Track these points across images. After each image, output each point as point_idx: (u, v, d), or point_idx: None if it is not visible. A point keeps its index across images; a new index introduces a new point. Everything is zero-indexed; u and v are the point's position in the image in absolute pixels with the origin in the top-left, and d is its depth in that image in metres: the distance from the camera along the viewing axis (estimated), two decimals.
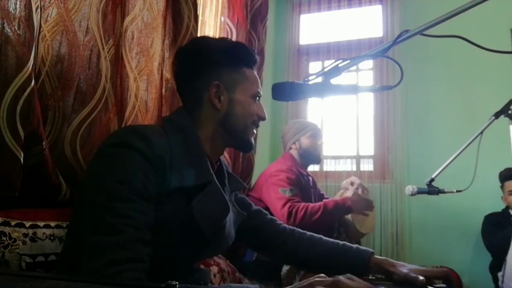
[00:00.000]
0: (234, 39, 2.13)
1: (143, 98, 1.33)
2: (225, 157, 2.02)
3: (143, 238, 0.70)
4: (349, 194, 2.00)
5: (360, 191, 2.01)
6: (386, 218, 2.78)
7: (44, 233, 0.85)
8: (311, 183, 2.15)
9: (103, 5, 1.14)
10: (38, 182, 0.92)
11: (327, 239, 1.10)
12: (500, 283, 1.71)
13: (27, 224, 0.82)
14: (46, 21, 0.98)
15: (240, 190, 1.12)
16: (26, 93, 0.83)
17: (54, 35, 1.00)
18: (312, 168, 2.54)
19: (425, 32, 0.87)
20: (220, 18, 2.13)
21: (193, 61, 0.92)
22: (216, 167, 0.95)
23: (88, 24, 1.08)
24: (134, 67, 1.29)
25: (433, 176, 1.51)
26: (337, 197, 2.10)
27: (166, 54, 1.48)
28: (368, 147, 3.01)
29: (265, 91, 0.99)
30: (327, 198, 2.25)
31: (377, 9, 3.17)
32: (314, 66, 3.32)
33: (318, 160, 2.17)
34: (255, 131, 0.96)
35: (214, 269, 1.39)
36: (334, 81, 0.88)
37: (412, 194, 1.51)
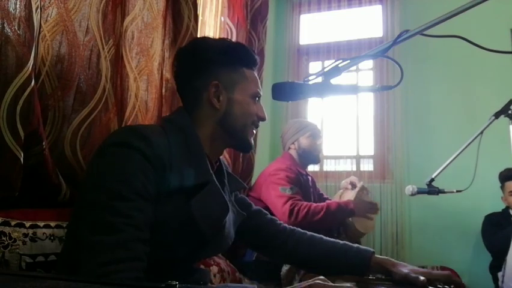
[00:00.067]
0: (234, 39, 2.13)
1: (143, 98, 1.33)
2: (225, 157, 2.02)
3: (142, 237, 0.70)
4: (349, 194, 2.00)
5: (360, 192, 2.01)
6: (386, 218, 2.78)
7: (44, 233, 0.85)
8: (310, 183, 2.15)
9: (103, 5, 1.14)
10: (38, 182, 0.92)
11: (328, 238, 1.10)
12: (500, 283, 1.71)
13: (27, 224, 0.82)
14: (46, 21, 0.98)
15: (240, 190, 1.12)
16: (26, 93, 0.83)
17: (54, 35, 1.00)
18: (312, 168, 2.55)
19: (425, 32, 0.87)
20: (220, 18, 2.13)
21: (192, 61, 0.92)
22: (216, 167, 0.95)
23: (88, 24, 1.08)
24: (134, 67, 1.29)
25: (433, 176, 1.51)
26: (336, 197, 2.10)
27: (166, 54, 1.48)
28: (368, 147, 3.01)
29: (265, 91, 0.99)
30: (326, 198, 2.25)
31: (377, 9, 3.17)
32: (314, 66, 3.32)
33: (317, 160, 2.17)
34: (254, 131, 0.96)
35: (214, 269, 1.39)
36: (334, 81, 0.88)
37: (412, 194, 1.51)
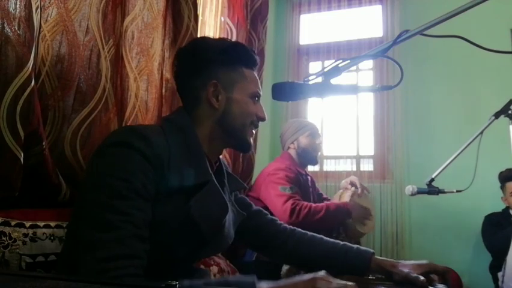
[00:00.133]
0: (234, 39, 2.13)
1: (143, 98, 1.33)
2: (225, 157, 2.02)
3: (141, 235, 0.70)
4: (349, 194, 2.00)
5: (360, 191, 2.01)
6: (386, 218, 2.78)
7: (44, 233, 0.85)
8: (310, 183, 2.15)
9: (103, 5, 1.14)
10: (38, 182, 0.92)
11: (328, 239, 1.10)
12: (500, 283, 1.71)
13: (27, 224, 0.82)
14: (46, 21, 0.98)
15: (240, 190, 1.12)
16: (26, 93, 0.83)
17: (54, 35, 1.00)
18: (312, 168, 2.54)
19: (425, 32, 0.87)
20: (220, 18, 2.13)
21: (192, 61, 0.93)
22: (216, 167, 0.95)
23: (88, 24, 1.08)
24: (134, 67, 1.29)
25: (433, 176, 1.51)
26: (336, 197, 2.10)
27: (166, 54, 1.48)
28: (368, 147, 3.01)
29: (265, 91, 0.99)
30: (325, 198, 2.25)
31: (377, 9, 3.17)
32: (314, 66, 3.32)
33: (315, 161, 2.16)
34: (253, 131, 0.96)
35: (214, 269, 1.39)
36: (334, 81, 0.88)
37: (412, 194, 1.52)
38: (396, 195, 2.80)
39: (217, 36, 2.00)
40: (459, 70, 2.84)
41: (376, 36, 3.11)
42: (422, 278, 0.91)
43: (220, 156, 0.99)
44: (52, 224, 0.88)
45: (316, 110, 3.17)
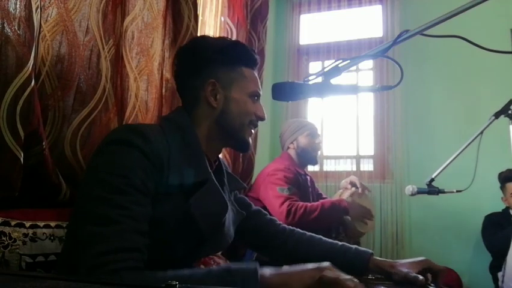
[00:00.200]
0: (234, 39, 2.13)
1: (143, 98, 1.33)
2: (225, 157, 2.02)
3: (140, 229, 0.70)
4: (348, 194, 2.00)
5: (360, 191, 2.01)
6: (386, 218, 2.78)
7: (44, 233, 0.85)
8: (309, 183, 2.15)
9: (103, 5, 1.14)
10: (38, 182, 0.92)
11: (327, 239, 1.10)
12: (500, 283, 1.71)
13: (27, 224, 0.82)
14: (46, 21, 0.98)
15: (240, 190, 1.12)
16: (26, 93, 0.83)
17: (54, 35, 1.00)
18: (312, 168, 2.54)
19: (425, 32, 0.87)
20: (220, 18, 2.13)
21: (190, 60, 0.93)
22: (215, 166, 0.95)
23: (88, 24, 1.08)
24: (134, 67, 1.29)
25: (433, 176, 1.51)
26: (336, 197, 2.10)
27: (166, 54, 1.48)
28: (368, 147, 3.01)
29: (265, 91, 0.99)
30: (325, 198, 2.25)
31: (377, 9, 3.17)
32: (314, 66, 3.32)
33: (315, 161, 2.16)
34: (252, 130, 0.95)
35: None
36: (334, 81, 0.88)
37: (412, 194, 1.52)
38: (396, 195, 2.80)
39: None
40: (459, 70, 2.84)
41: (376, 36, 3.11)
42: (421, 277, 0.91)
43: (220, 156, 0.99)
44: (52, 224, 0.88)
45: (316, 110, 3.18)
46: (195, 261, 1.04)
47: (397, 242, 2.75)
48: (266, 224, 1.11)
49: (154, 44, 1.38)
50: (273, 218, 1.14)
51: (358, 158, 2.97)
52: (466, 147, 1.51)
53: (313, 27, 3.37)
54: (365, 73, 3.17)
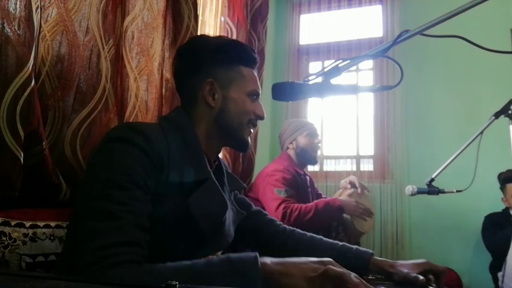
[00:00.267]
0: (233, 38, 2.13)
1: (143, 98, 1.33)
2: (225, 157, 2.02)
3: (141, 224, 0.69)
4: (347, 194, 2.00)
5: (359, 191, 2.01)
6: (386, 218, 2.78)
7: (44, 233, 0.85)
8: (308, 183, 2.15)
9: (103, 5, 1.14)
10: (38, 182, 0.92)
11: (327, 239, 1.10)
12: (500, 283, 1.71)
13: (27, 224, 0.82)
14: (46, 21, 0.98)
15: (240, 190, 1.12)
16: (26, 93, 0.83)
17: (54, 35, 1.00)
18: (312, 168, 2.54)
19: (425, 32, 0.87)
20: (220, 18, 2.13)
21: (189, 59, 0.93)
22: (215, 166, 0.95)
23: (88, 24, 1.08)
24: (134, 67, 1.29)
25: (433, 176, 1.51)
26: (335, 197, 2.10)
27: (166, 54, 1.48)
28: (368, 147, 3.01)
29: (265, 91, 0.99)
30: (324, 198, 2.25)
31: (377, 9, 3.17)
32: (314, 66, 3.32)
33: (314, 161, 2.16)
34: (252, 130, 0.95)
35: None
36: (334, 81, 0.88)
37: (412, 194, 1.52)
38: (396, 195, 2.80)
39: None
40: (459, 70, 2.84)
41: (376, 36, 3.11)
42: (421, 277, 0.91)
43: (220, 156, 0.99)
44: (52, 224, 0.88)
45: (317, 110, 3.18)
46: None
47: (397, 242, 2.75)
48: (266, 224, 1.11)
49: (154, 44, 1.38)
50: (273, 218, 1.15)
51: (358, 158, 2.97)
52: (466, 147, 1.51)
53: (313, 27, 3.37)
54: (365, 73, 3.18)
